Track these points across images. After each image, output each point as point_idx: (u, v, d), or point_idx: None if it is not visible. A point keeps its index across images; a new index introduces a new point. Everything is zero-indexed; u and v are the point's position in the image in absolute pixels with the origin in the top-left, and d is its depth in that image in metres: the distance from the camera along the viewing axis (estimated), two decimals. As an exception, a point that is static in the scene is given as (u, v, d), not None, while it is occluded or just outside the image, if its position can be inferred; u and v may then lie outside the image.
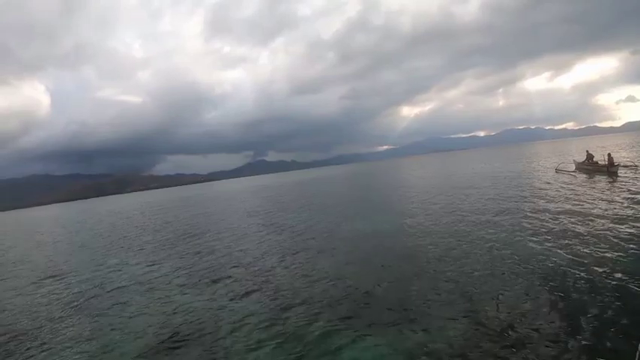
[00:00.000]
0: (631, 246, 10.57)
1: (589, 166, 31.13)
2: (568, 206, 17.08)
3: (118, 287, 13.14)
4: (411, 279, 10.21)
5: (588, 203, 17.28)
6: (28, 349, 8.80)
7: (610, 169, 27.30)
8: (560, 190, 22.61)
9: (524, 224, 14.69)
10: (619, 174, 25.97)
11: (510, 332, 6.80)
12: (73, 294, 12.99)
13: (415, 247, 13.37)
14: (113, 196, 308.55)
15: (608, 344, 6.01)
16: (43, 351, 8.58)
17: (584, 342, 6.16)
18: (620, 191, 19.37)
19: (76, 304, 11.81)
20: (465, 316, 7.64)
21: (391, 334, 7.36)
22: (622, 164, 28.55)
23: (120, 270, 15.77)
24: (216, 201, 56.93)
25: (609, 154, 28.84)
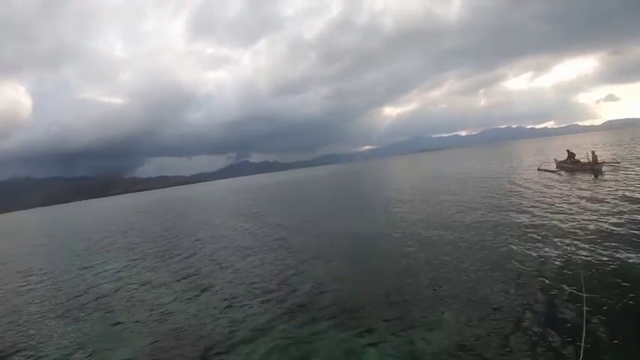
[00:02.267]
0: (621, 244, 10.36)
1: (572, 165, 31.05)
2: (555, 205, 16.76)
3: (103, 293, 12.57)
4: (404, 280, 9.97)
5: (575, 202, 17.01)
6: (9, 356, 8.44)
7: (594, 167, 27.21)
8: (545, 188, 22.35)
9: (513, 223, 14.38)
10: (603, 171, 25.88)
11: (506, 333, 6.62)
12: (55, 301, 12.35)
13: (403, 249, 13.01)
14: (95, 199, 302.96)
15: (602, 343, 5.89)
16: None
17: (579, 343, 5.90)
18: (607, 189, 19.10)
19: (59, 311, 11.22)
20: (459, 317, 7.44)
21: (389, 336, 7.09)
22: (605, 162, 28.51)
23: (104, 275, 15.22)
24: (199, 204, 56.19)
25: (593, 152, 28.85)
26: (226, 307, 9.67)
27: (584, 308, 5.19)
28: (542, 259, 10.03)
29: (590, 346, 5.59)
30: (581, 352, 3.81)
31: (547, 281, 8.55)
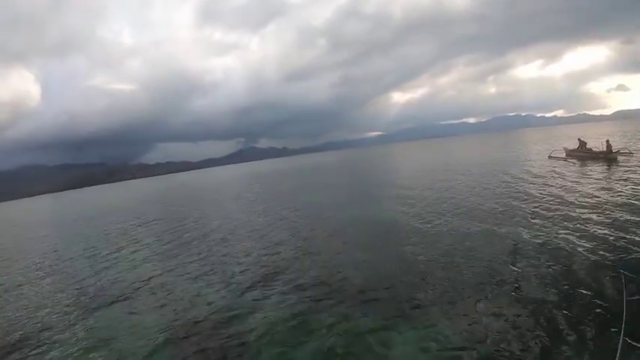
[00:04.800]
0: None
1: (584, 153, 31.17)
2: (572, 193, 16.92)
3: (121, 282, 12.58)
4: (424, 266, 10.13)
5: (591, 189, 17.16)
6: (26, 349, 8.36)
7: (609, 156, 27.41)
8: (559, 176, 22.55)
9: (531, 211, 14.46)
10: (618, 160, 26.08)
11: (534, 321, 6.70)
12: (72, 290, 12.39)
13: (418, 234, 13.22)
14: (104, 185, 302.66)
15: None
16: (44, 352, 8.14)
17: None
18: (625, 177, 19.31)
19: (76, 301, 11.27)
20: (482, 305, 7.56)
21: (415, 326, 7.16)
22: (620, 151, 28.54)
23: (122, 263, 15.25)
24: (208, 190, 56.16)
25: (607, 141, 28.92)
26: (245, 293, 9.81)
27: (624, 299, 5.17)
28: (568, 246, 10.18)
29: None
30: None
31: (576, 270, 8.67)
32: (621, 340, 3.92)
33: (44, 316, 10.31)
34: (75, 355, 7.83)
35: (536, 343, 6.07)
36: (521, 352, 5.92)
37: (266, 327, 7.78)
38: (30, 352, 8.25)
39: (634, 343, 5.19)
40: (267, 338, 7.41)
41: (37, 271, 15.97)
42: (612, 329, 5.84)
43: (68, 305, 10.97)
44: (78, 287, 12.60)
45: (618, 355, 3.60)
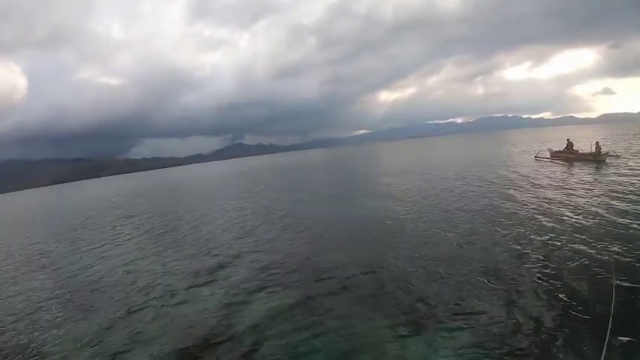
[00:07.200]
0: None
1: (572, 155, 31.22)
2: (560, 194, 16.65)
3: (110, 282, 11.79)
4: (412, 268, 9.63)
5: (580, 190, 17.03)
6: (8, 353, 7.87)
7: (598, 158, 27.44)
8: (547, 177, 22.41)
9: (522, 212, 14.12)
10: (607, 162, 26.07)
11: (531, 324, 6.49)
12: (59, 289, 11.67)
13: (404, 236, 12.86)
14: (90, 180, 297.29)
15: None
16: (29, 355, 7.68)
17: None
18: (615, 179, 19.14)
19: (63, 300, 10.61)
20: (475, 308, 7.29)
21: (416, 327, 6.95)
22: (610, 153, 28.44)
23: (110, 262, 14.38)
24: (195, 186, 55.75)
25: (597, 143, 28.94)
26: (242, 292, 9.47)
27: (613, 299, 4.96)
28: (567, 250, 9.90)
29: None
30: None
31: (574, 274, 8.42)
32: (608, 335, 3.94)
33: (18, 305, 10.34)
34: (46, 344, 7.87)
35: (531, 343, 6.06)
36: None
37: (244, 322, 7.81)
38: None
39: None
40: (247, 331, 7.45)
41: (20, 268, 15.36)
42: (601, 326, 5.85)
43: (40, 293, 11.14)
44: (55, 279, 12.58)
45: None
